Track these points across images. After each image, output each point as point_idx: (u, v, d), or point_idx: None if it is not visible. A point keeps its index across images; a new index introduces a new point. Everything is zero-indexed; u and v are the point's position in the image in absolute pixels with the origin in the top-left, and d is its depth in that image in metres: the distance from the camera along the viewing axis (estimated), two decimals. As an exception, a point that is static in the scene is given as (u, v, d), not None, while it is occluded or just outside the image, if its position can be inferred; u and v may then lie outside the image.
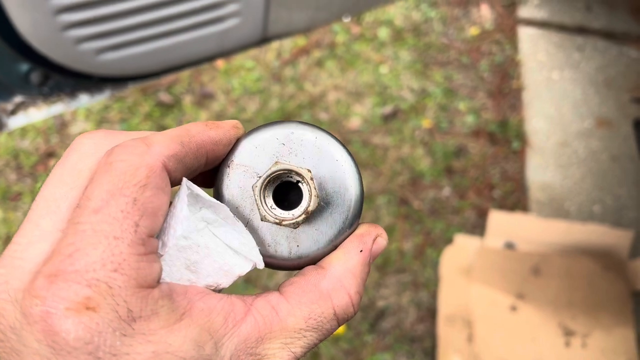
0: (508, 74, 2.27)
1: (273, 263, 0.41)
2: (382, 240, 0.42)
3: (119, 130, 0.43)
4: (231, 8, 1.04)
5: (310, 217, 0.39)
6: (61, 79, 1.10)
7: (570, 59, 2.29)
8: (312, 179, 0.38)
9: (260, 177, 0.39)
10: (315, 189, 0.38)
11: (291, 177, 0.40)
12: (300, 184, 0.40)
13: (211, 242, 0.37)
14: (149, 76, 1.14)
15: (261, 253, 0.39)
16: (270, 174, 0.39)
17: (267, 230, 0.40)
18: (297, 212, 0.39)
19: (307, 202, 0.39)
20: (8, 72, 1.04)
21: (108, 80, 1.13)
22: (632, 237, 1.91)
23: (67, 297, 0.29)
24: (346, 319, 0.39)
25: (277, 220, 0.38)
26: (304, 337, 0.36)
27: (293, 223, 0.38)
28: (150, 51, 1.05)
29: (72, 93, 1.16)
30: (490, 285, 1.82)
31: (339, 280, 0.38)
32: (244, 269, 0.38)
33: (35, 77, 1.07)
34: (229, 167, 0.40)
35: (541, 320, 1.78)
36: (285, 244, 0.40)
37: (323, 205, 0.40)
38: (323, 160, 0.41)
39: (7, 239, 1.87)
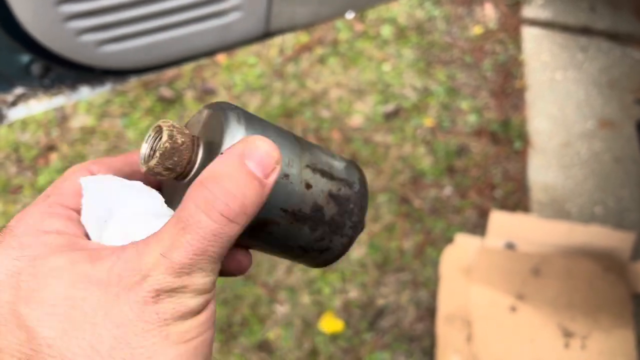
0: (511, 74, 2.26)
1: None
2: (258, 141, 0.36)
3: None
4: (233, 1, 1.03)
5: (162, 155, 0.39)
6: (62, 71, 1.09)
7: (573, 59, 2.28)
8: (170, 126, 0.39)
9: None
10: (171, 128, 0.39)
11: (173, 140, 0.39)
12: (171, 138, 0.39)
13: (132, 215, 0.40)
14: (150, 69, 1.14)
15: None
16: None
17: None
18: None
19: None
20: (8, 63, 1.03)
21: (109, 73, 1.12)
22: (634, 239, 1.90)
23: None
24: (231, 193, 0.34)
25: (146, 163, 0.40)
26: (178, 241, 0.34)
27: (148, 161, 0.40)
28: (152, 44, 1.04)
29: (73, 85, 1.15)
30: (490, 285, 1.82)
31: (199, 183, 0.35)
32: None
33: (36, 68, 1.07)
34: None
35: (541, 321, 1.78)
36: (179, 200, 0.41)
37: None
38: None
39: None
